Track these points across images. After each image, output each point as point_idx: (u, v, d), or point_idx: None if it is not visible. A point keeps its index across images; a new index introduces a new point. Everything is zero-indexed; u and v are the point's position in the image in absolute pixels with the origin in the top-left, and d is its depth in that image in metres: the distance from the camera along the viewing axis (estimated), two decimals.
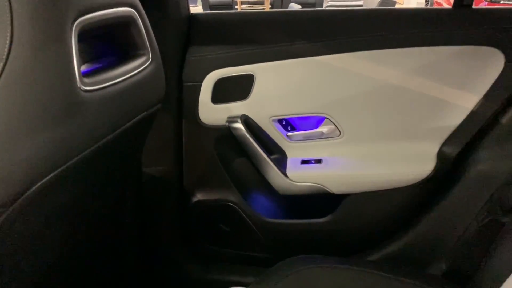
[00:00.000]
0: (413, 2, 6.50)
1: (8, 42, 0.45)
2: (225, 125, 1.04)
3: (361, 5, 7.28)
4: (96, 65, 0.67)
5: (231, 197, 1.13)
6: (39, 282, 0.69)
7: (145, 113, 0.75)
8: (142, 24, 0.71)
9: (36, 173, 0.51)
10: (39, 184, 0.51)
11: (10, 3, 0.45)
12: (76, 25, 0.53)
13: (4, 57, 0.45)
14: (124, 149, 0.79)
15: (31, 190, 0.51)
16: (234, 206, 1.13)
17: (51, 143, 0.51)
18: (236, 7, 7.04)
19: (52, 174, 0.53)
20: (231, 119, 1.04)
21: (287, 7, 6.49)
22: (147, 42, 0.73)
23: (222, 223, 1.17)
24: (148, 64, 0.73)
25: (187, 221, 1.18)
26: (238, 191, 1.12)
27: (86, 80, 0.56)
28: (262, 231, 1.14)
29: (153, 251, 1.19)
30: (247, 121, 1.04)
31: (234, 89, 1.03)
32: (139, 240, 1.14)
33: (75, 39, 0.53)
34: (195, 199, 1.15)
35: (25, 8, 0.46)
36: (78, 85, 0.53)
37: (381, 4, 5.60)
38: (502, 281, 0.75)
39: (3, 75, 0.45)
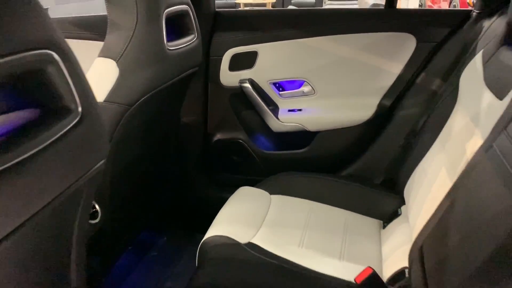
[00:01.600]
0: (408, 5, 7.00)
1: (135, 18, 0.97)
2: (238, 85, 1.57)
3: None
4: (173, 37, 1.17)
5: (241, 136, 1.65)
6: (125, 168, 1.18)
7: (190, 70, 1.27)
8: (192, 15, 1.23)
9: (142, 92, 1.03)
10: (142, 99, 1.04)
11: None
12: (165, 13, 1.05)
13: (134, 26, 0.97)
14: (175, 95, 1.31)
15: (140, 100, 1.03)
16: (243, 142, 1.65)
17: (150, 75, 1.03)
18: (239, 9, 7.58)
19: (148, 94, 1.05)
20: (242, 81, 1.56)
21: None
22: (195, 27, 1.25)
23: (234, 156, 1.69)
24: (194, 40, 1.25)
25: (209, 155, 1.70)
26: (246, 132, 1.64)
27: (169, 43, 1.08)
28: (261, 160, 1.66)
29: (185, 175, 1.70)
30: (253, 83, 1.57)
31: (244, 61, 1.55)
32: (177, 165, 1.66)
33: (164, 21, 1.05)
34: (215, 138, 1.67)
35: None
36: (166, 46, 1.05)
37: (373, 6, 6.13)
38: (410, 174, 1.25)
39: (133, 36, 0.97)
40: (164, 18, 1.05)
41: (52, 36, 0.55)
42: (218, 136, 1.67)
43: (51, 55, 0.55)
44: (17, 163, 0.49)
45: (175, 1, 1.11)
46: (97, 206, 1.06)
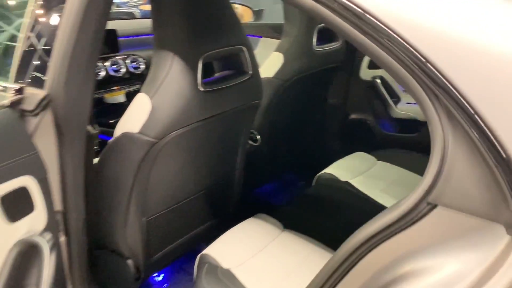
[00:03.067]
0: None
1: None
2: (372, 80, 2.14)
3: None
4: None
5: (369, 118, 2.22)
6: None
7: (332, 65, 1.91)
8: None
9: (297, 71, 1.72)
10: (295, 78, 1.73)
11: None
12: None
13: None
14: (322, 83, 1.94)
15: (294, 78, 1.73)
16: (369, 123, 2.22)
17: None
18: None
19: (301, 75, 1.74)
20: (375, 77, 2.13)
21: None
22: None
23: (362, 132, 2.27)
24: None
25: (345, 129, 2.32)
26: (373, 115, 2.21)
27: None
28: (380, 138, 2.20)
29: (323, 142, 2.34)
30: (382, 79, 2.11)
31: None
32: (319, 134, 2.30)
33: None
34: (350, 117, 2.28)
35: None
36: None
37: None
38: None
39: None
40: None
41: (244, 37, 1.29)
42: (352, 116, 2.27)
43: (243, 48, 1.29)
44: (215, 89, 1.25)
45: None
46: (258, 136, 1.83)
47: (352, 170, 1.77)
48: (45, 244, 0.89)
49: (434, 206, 0.56)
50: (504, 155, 0.48)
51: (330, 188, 1.71)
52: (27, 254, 0.88)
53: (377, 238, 0.61)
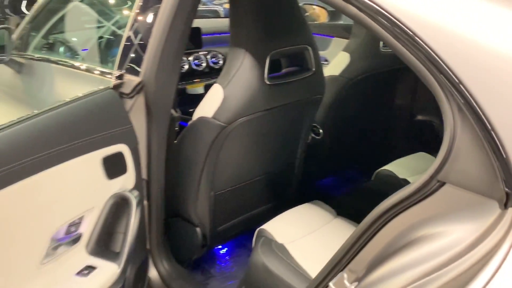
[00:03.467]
0: None
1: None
2: None
3: None
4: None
5: (435, 120, 2.25)
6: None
7: (399, 65, 1.98)
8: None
9: (363, 69, 1.82)
10: (361, 76, 1.83)
11: None
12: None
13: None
14: (388, 85, 2.01)
15: (359, 77, 1.84)
16: (434, 124, 2.24)
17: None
18: None
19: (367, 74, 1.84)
20: None
21: None
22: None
23: (424, 134, 2.29)
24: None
25: (411, 129, 2.36)
26: (439, 116, 2.23)
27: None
28: None
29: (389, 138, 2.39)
30: None
31: None
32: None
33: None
34: (416, 118, 2.31)
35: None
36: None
37: None
38: None
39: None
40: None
41: (310, 37, 1.43)
42: (419, 117, 2.31)
43: (308, 47, 1.43)
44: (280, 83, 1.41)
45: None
46: (321, 130, 1.96)
47: (412, 169, 1.83)
48: (133, 199, 1.11)
49: (443, 184, 0.67)
50: (499, 145, 0.59)
51: (386, 184, 1.79)
52: (120, 205, 1.10)
53: (396, 208, 0.72)
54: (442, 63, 0.64)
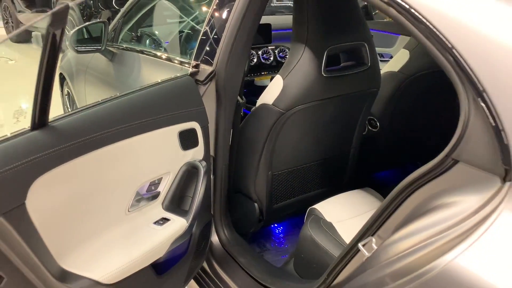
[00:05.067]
0: None
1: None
2: None
3: None
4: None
5: None
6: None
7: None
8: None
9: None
10: (418, 74, 1.90)
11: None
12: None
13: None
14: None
15: (417, 74, 1.91)
16: None
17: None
18: None
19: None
20: None
21: None
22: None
23: None
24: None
25: None
26: None
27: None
28: None
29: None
30: None
31: None
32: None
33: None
34: None
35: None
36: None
37: None
38: None
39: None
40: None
41: (366, 35, 1.55)
42: None
43: (364, 44, 1.55)
44: (336, 75, 1.55)
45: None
46: (378, 123, 2.05)
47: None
48: (202, 168, 1.31)
49: (456, 162, 0.79)
50: (501, 129, 0.71)
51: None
52: (190, 172, 1.31)
53: (418, 182, 0.85)
54: (463, 63, 0.76)
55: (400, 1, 0.85)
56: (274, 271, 1.56)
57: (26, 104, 4.63)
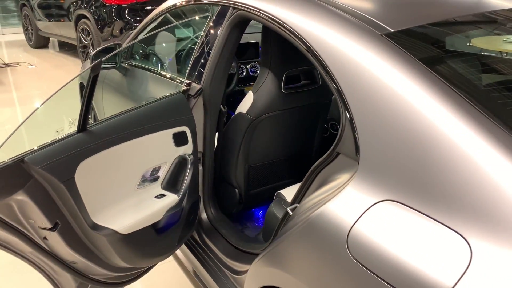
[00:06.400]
0: None
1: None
2: None
3: None
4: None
5: None
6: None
7: None
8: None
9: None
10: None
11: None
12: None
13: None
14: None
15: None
16: None
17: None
18: None
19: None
20: None
21: None
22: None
23: None
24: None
25: None
26: None
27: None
28: None
29: None
30: None
31: None
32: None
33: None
34: None
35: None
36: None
37: None
38: None
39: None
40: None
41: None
42: None
43: (315, 68, 2.05)
44: (294, 92, 2.06)
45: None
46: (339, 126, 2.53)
47: None
48: (189, 160, 1.79)
49: (338, 154, 1.27)
50: (356, 133, 1.19)
51: None
52: (181, 163, 1.80)
53: (320, 167, 1.33)
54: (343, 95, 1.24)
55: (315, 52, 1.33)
56: (247, 239, 2.05)
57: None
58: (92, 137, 1.46)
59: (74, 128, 1.42)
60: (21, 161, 1.33)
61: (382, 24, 1.32)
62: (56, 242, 1.49)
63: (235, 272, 1.83)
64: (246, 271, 1.69)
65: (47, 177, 1.35)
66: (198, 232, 2.12)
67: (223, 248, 1.99)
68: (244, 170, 2.17)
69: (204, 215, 2.14)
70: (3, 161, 1.32)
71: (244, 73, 3.09)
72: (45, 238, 1.49)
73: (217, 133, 2.12)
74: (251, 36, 3.18)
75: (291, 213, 1.43)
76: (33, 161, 1.33)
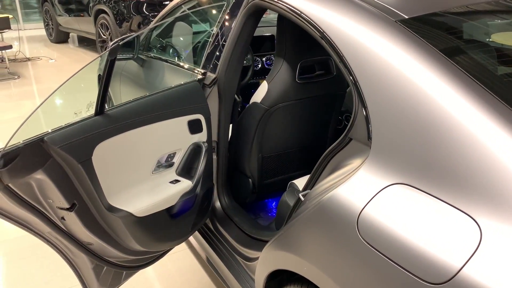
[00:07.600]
0: None
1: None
2: None
3: None
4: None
5: None
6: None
7: None
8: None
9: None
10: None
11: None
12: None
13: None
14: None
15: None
16: None
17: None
18: None
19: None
20: None
21: None
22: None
23: None
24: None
25: None
26: None
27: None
28: None
29: None
30: None
31: None
32: None
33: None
34: None
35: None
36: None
37: None
38: None
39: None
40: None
41: None
42: None
43: (330, 58, 2.06)
44: (308, 82, 2.07)
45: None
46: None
47: None
48: (204, 147, 1.82)
49: (351, 140, 1.28)
50: (369, 122, 1.20)
51: None
52: (195, 150, 1.83)
53: (332, 153, 1.35)
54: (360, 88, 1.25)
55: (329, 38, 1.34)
56: (260, 227, 2.07)
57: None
58: (109, 120, 1.50)
59: (92, 111, 1.45)
60: (41, 140, 1.37)
61: (396, 11, 1.32)
62: (73, 222, 1.54)
63: (248, 259, 1.85)
64: (258, 258, 1.71)
65: (65, 157, 1.40)
66: (212, 220, 2.15)
67: (235, 236, 2.02)
68: (257, 160, 2.18)
69: (217, 204, 2.17)
70: (24, 140, 1.37)
71: (260, 65, 3.11)
72: (62, 218, 1.53)
73: (231, 124, 2.15)
74: (267, 29, 3.20)
75: (302, 198, 1.44)
76: (52, 141, 1.37)
